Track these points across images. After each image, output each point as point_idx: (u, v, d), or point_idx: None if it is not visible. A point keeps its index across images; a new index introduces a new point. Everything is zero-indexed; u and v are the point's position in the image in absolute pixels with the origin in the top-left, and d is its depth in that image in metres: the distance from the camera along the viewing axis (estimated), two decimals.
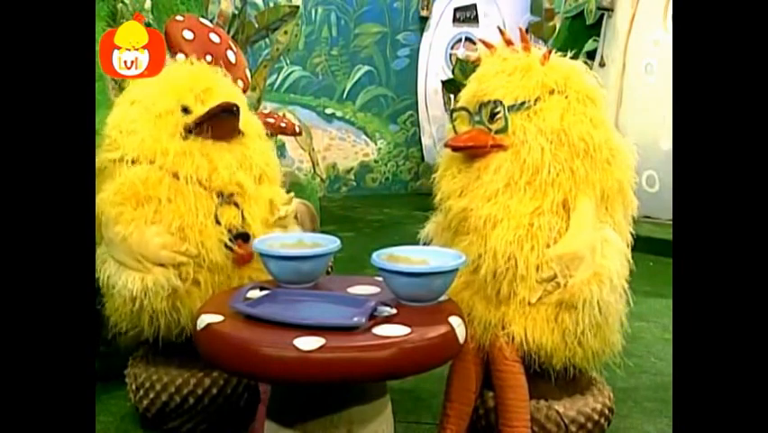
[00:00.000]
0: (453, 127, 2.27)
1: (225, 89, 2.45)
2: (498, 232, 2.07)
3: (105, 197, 2.28)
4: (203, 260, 2.26)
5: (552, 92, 2.15)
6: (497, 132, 2.14)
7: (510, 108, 2.12)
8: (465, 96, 2.28)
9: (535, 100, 2.13)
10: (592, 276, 2.05)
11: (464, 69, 2.14)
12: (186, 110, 2.34)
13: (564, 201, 2.10)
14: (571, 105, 2.15)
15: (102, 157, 2.34)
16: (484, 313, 2.13)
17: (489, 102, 2.16)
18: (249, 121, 2.48)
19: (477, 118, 2.20)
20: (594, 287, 2.05)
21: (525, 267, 2.06)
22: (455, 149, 2.22)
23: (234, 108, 2.33)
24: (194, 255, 2.25)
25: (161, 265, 2.23)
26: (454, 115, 2.28)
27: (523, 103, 2.13)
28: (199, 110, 2.35)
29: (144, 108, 2.36)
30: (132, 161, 2.30)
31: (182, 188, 2.26)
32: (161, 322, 2.28)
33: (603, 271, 2.07)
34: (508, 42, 2.25)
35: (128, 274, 2.23)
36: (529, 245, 2.06)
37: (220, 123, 2.33)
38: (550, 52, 2.23)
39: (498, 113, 2.14)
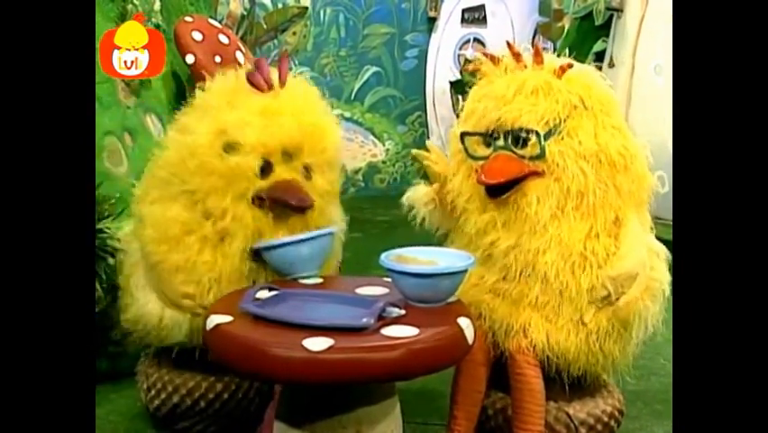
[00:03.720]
0: (466, 150, 2.17)
1: (322, 143, 2.20)
2: (548, 258, 2.03)
3: (151, 211, 2.23)
4: None
5: (576, 106, 2.07)
6: (531, 158, 2.06)
7: (546, 135, 2.04)
8: (477, 117, 2.15)
9: (564, 120, 2.05)
10: (644, 291, 2.04)
11: (472, 74, 2.13)
12: (266, 166, 2.14)
13: (616, 219, 2.07)
14: (599, 119, 2.08)
15: (166, 175, 2.22)
16: (505, 317, 2.12)
17: (519, 129, 2.06)
18: (322, 180, 2.26)
19: (500, 143, 2.10)
20: (648, 302, 2.05)
21: (576, 291, 2.04)
22: (493, 186, 2.08)
23: (307, 206, 2.17)
24: None
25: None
26: (467, 138, 2.18)
27: (555, 126, 2.04)
28: (281, 171, 2.15)
29: (225, 148, 2.14)
30: (190, 193, 2.18)
31: (228, 250, 2.17)
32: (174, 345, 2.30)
33: (655, 285, 2.07)
34: (517, 56, 2.14)
35: (150, 299, 2.24)
36: (581, 269, 2.03)
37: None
38: (568, 66, 2.11)
39: (527, 139, 2.05)
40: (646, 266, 2.06)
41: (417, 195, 2.38)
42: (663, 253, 2.13)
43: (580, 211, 2.05)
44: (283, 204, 2.17)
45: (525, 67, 2.13)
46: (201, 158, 2.13)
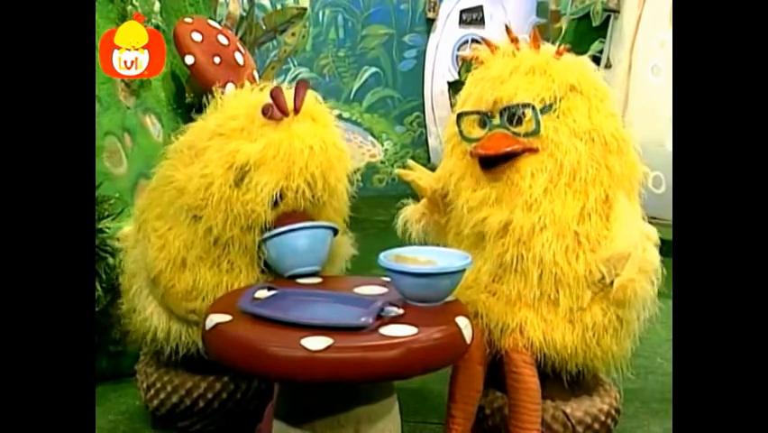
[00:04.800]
0: (461, 132, 2.21)
1: (333, 177, 2.19)
2: (543, 239, 2.04)
3: (159, 238, 2.23)
4: None
5: (571, 89, 2.11)
6: (526, 135, 2.09)
7: (541, 111, 2.08)
8: (474, 99, 2.20)
9: (559, 99, 2.09)
10: (638, 272, 2.06)
11: (470, 70, 2.15)
12: (280, 196, 2.13)
13: (606, 198, 2.09)
14: (593, 103, 2.12)
15: (174, 199, 2.22)
16: (501, 316, 2.13)
17: (516, 105, 2.09)
18: (332, 213, 2.28)
19: (496, 122, 2.14)
20: (643, 283, 2.06)
21: (572, 277, 2.05)
22: (488, 158, 2.12)
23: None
24: None
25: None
26: (463, 118, 2.22)
27: (551, 104, 2.09)
28: (290, 201, 2.14)
29: (237, 181, 2.13)
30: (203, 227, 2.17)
31: (228, 266, 2.19)
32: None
33: (648, 267, 2.08)
34: (514, 41, 2.19)
35: (155, 309, 2.27)
36: (575, 255, 2.05)
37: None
38: (566, 49, 2.18)
39: (522, 115, 2.09)
40: (638, 247, 2.08)
41: (409, 213, 2.40)
42: (654, 235, 2.15)
43: (572, 188, 2.07)
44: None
45: (521, 50, 2.17)
46: (216, 194, 2.12)
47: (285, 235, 2.15)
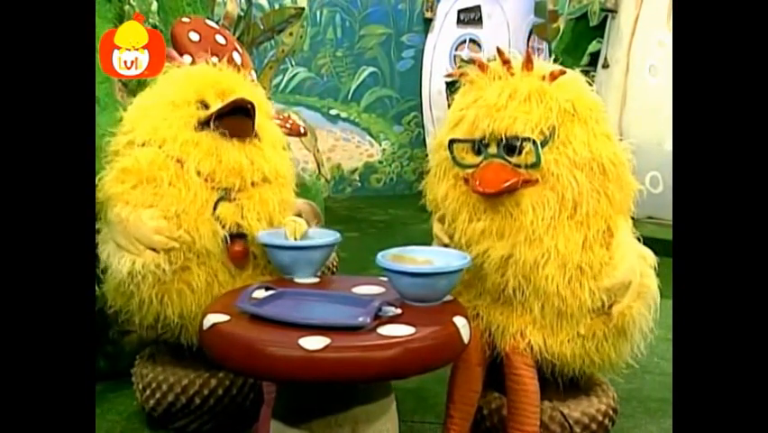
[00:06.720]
0: (454, 158, 2.13)
1: (247, 91, 2.41)
2: (548, 272, 2.01)
3: (109, 176, 2.26)
4: (195, 249, 2.23)
5: (568, 115, 2.04)
6: (526, 167, 2.01)
7: (541, 144, 2.00)
8: (467, 125, 2.10)
9: (558, 127, 2.02)
10: (637, 298, 2.06)
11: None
12: (204, 105, 2.32)
13: (607, 228, 2.06)
14: (590, 126, 2.06)
15: (116, 141, 2.33)
16: (502, 320, 2.13)
17: (514, 137, 2.01)
18: (267, 127, 2.45)
19: (492, 150, 2.06)
20: (643, 309, 2.06)
21: (576, 306, 2.04)
22: (489, 195, 2.04)
23: (249, 105, 2.30)
24: (187, 242, 2.21)
25: (154, 250, 2.19)
26: (455, 146, 2.12)
27: (550, 135, 2.01)
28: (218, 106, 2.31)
29: (162, 96, 2.34)
30: (142, 144, 2.27)
31: (184, 175, 2.23)
32: (149, 311, 2.26)
33: (646, 291, 2.08)
34: (506, 63, 2.10)
35: (121, 256, 2.21)
36: (578, 283, 2.03)
37: (235, 121, 2.30)
38: (560, 72, 2.08)
39: (521, 147, 2.01)
40: (637, 273, 2.07)
41: (438, 229, 2.31)
42: (651, 257, 2.13)
43: (574, 220, 2.03)
44: (225, 110, 2.28)
45: (513, 74, 2.09)
46: (147, 113, 2.32)
47: (304, 250, 2.22)
